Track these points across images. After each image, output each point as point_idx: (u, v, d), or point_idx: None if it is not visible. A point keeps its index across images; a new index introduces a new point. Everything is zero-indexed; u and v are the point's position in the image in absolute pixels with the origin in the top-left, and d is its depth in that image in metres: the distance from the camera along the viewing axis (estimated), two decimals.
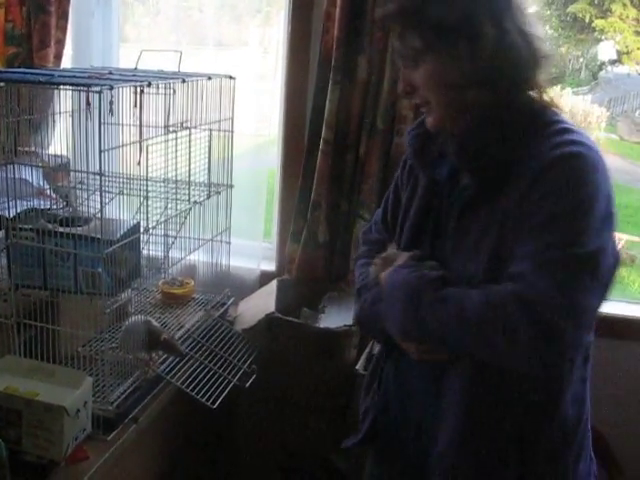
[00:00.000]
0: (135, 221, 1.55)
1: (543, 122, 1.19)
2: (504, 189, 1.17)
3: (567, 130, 1.17)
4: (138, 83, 1.46)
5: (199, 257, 2.01)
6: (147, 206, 1.57)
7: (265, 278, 2.22)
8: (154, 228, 1.57)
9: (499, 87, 1.18)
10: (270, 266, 2.27)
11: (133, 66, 1.83)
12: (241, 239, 2.18)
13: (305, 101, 2.06)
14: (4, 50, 2.13)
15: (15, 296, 1.47)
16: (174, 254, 1.92)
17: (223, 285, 2.08)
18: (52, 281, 1.46)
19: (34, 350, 1.46)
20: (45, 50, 2.08)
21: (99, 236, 1.40)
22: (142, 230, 1.54)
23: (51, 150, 2.31)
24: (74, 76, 1.52)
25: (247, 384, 1.71)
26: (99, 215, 1.69)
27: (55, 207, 1.99)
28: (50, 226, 1.46)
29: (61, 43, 2.11)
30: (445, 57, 1.17)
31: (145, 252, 1.76)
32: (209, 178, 1.85)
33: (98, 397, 1.45)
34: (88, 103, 1.45)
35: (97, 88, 1.29)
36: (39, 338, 1.47)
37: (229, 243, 1.99)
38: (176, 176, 1.81)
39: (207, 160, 1.84)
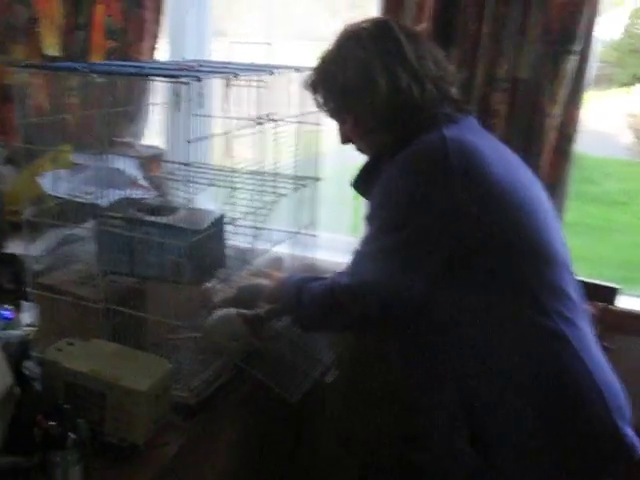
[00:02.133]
0: (221, 212, 1.57)
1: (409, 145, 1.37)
2: None
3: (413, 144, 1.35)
4: (225, 75, 1.47)
5: (285, 249, 2.02)
6: (233, 198, 1.58)
7: None
8: (239, 220, 1.58)
9: (397, 128, 1.40)
10: None
11: (226, 59, 1.86)
12: (328, 232, 2.17)
13: None
14: (103, 44, 2.20)
15: (103, 282, 1.52)
16: (260, 246, 1.94)
17: None
18: (139, 268, 1.50)
19: (121, 335, 1.50)
20: (140, 44, 2.13)
21: (185, 226, 1.42)
22: (227, 221, 1.56)
23: (146, 141, 2.39)
24: (164, 68, 1.54)
25: (329, 379, 1.71)
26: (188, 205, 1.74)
27: (147, 197, 2.05)
28: (138, 215, 1.49)
29: (156, 37, 2.16)
30: (355, 111, 1.43)
31: (231, 243, 1.79)
32: (295, 171, 1.85)
33: (179, 384, 1.48)
34: (177, 95, 1.48)
35: (185, 79, 1.31)
36: (126, 324, 1.51)
37: (315, 236, 1.98)
38: (263, 168, 1.82)
39: (294, 153, 1.85)
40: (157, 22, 2.15)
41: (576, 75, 1.82)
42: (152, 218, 1.47)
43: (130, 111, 2.18)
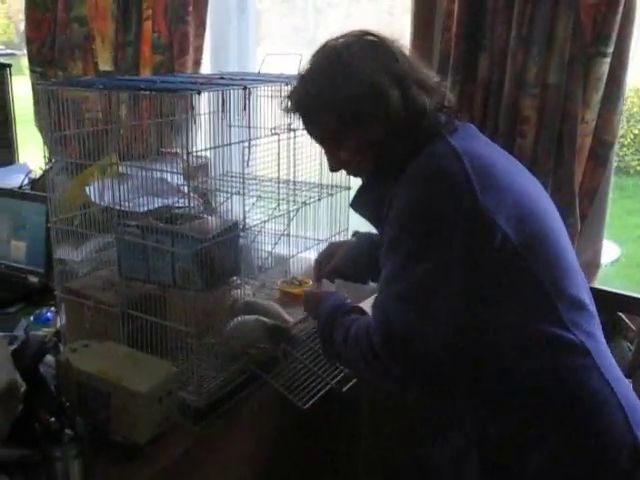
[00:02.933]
0: (234, 220, 1.60)
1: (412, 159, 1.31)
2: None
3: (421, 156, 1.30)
4: (224, 88, 1.51)
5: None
6: (244, 205, 1.63)
7: None
8: (251, 228, 1.62)
9: (406, 141, 1.33)
10: None
11: (269, 70, 1.90)
12: None
13: None
14: (152, 59, 2.30)
15: (121, 287, 1.59)
16: (291, 253, 1.98)
17: (344, 286, 2.09)
18: (153, 275, 1.55)
19: (139, 339, 1.57)
20: (184, 57, 2.21)
21: (192, 234, 1.47)
22: (242, 229, 1.60)
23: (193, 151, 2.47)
24: (180, 82, 1.60)
25: (344, 389, 1.70)
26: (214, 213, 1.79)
27: (189, 205, 2.12)
28: (152, 223, 1.55)
29: (199, 50, 2.24)
30: (365, 128, 1.35)
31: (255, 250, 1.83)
32: (320, 179, 1.87)
33: (191, 387, 1.53)
34: (192, 107, 1.54)
35: (184, 93, 1.36)
36: (144, 329, 1.57)
37: None
38: (290, 177, 1.85)
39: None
40: (200, 36, 2.23)
41: (610, 78, 1.75)
42: (164, 226, 1.52)
43: (175, 123, 2.26)
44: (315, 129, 1.44)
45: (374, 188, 1.42)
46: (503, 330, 1.28)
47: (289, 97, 1.44)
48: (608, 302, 1.92)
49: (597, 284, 1.99)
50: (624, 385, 1.33)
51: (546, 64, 1.76)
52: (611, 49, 1.72)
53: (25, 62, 2.68)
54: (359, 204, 1.48)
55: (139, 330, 1.57)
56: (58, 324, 1.74)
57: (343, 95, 1.33)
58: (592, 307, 1.36)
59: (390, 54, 1.34)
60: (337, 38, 1.39)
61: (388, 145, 1.36)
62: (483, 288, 1.26)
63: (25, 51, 2.61)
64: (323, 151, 1.49)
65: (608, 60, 1.72)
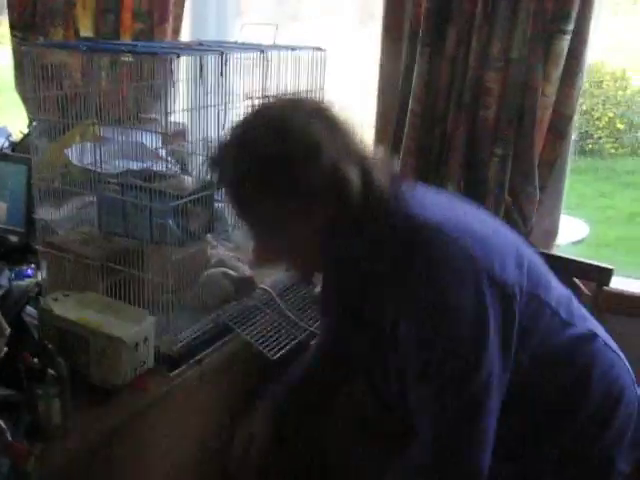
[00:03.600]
0: (209, 179, 1.68)
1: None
2: None
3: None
4: (203, 53, 1.58)
5: None
6: None
7: None
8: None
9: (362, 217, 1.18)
10: None
11: (246, 40, 1.97)
12: None
13: (398, 74, 2.09)
14: (132, 26, 2.35)
15: (101, 242, 1.66)
16: None
17: None
18: (132, 230, 1.63)
19: (118, 292, 1.65)
20: (164, 25, 2.27)
21: (170, 191, 1.55)
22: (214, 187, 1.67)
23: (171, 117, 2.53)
24: (160, 47, 1.67)
25: (312, 342, 1.80)
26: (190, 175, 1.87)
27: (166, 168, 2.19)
28: (131, 181, 1.63)
29: (179, 19, 2.29)
30: (311, 210, 1.15)
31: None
32: None
33: (166, 336, 1.61)
34: (171, 71, 1.61)
35: (164, 57, 1.43)
36: (123, 282, 1.65)
37: None
38: None
39: None
40: (180, 5, 2.29)
41: (570, 55, 1.85)
42: (142, 184, 1.59)
43: (155, 88, 2.32)
44: (254, 211, 1.22)
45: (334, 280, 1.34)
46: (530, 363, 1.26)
47: (219, 165, 1.23)
48: (564, 268, 2.03)
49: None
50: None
51: (509, 40, 1.85)
52: (571, 27, 1.81)
53: (3, 31, 2.71)
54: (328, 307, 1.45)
55: (118, 283, 1.65)
56: (39, 277, 1.82)
57: (297, 175, 1.13)
58: (562, 286, 1.38)
59: (334, 127, 1.16)
60: (269, 104, 1.27)
61: (341, 227, 1.19)
62: (515, 353, 1.20)
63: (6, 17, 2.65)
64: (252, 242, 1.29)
65: (568, 37, 1.82)
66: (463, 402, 1.15)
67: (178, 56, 1.45)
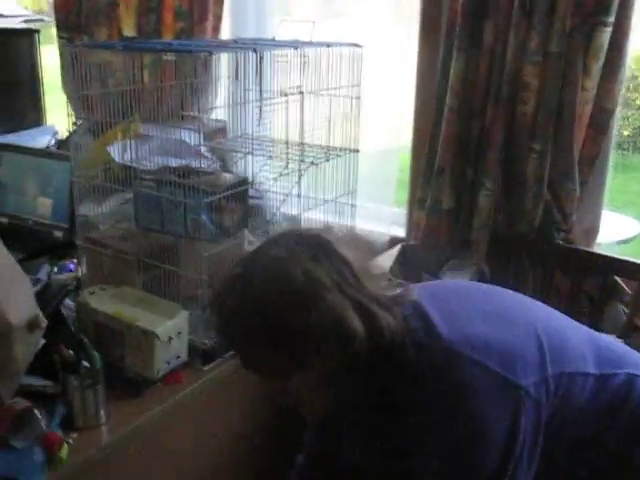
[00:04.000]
0: (243, 176, 1.70)
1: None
2: None
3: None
4: (237, 51, 1.59)
5: (327, 218, 2.13)
6: (253, 162, 1.72)
7: (395, 243, 2.29)
8: (260, 183, 1.71)
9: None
10: (400, 232, 2.33)
11: (284, 37, 1.98)
12: (373, 203, 2.27)
13: (436, 70, 2.07)
14: (173, 25, 2.39)
15: (138, 237, 1.70)
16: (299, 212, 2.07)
17: None
18: (168, 226, 1.66)
19: (154, 287, 1.67)
20: (204, 24, 2.30)
21: (203, 187, 1.57)
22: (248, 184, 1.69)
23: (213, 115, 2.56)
24: (195, 45, 1.69)
25: None
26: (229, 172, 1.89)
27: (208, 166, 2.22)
28: (167, 177, 1.65)
29: (218, 17, 2.32)
30: (320, 359, 1.09)
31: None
32: (329, 141, 1.96)
33: (200, 331, 1.63)
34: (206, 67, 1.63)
35: (199, 54, 1.45)
36: (160, 277, 1.68)
37: (354, 206, 2.08)
38: (304, 138, 1.94)
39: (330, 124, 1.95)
40: (220, 4, 2.31)
41: (612, 47, 1.81)
42: (177, 180, 1.62)
43: (196, 86, 2.36)
44: (262, 364, 1.16)
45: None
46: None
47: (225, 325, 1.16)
48: (605, 266, 1.99)
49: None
50: None
51: (548, 33, 1.82)
52: (612, 18, 1.77)
53: (54, 31, 2.79)
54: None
55: (154, 279, 1.68)
56: (79, 272, 1.86)
57: (302, 328, 1.07)
58: (601, 341, 1.33)
59: (343, 267, 1.12)
60: (267, 247, 1.15)
61: (350, 374, 1.15)
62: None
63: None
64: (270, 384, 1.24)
65: (609, 29, 1.78)
66: None
67: (211, 54, 1.46)
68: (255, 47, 1.62)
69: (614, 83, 1.83)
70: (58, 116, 3.07)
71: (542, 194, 1.94)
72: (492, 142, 1.96)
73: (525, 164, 1.93)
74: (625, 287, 1.95)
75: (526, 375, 1.14)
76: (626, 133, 5.19)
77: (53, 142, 2.56)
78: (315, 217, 2.10)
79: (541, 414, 1.14)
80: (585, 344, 1.27)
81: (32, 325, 1.34)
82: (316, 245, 1.13)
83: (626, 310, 1.95)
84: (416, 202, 2.19)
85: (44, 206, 2.36)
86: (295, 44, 1.76)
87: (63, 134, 2.59)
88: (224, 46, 1.67)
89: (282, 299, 1.07)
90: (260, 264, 1.12)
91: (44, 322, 1.42)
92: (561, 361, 1.20)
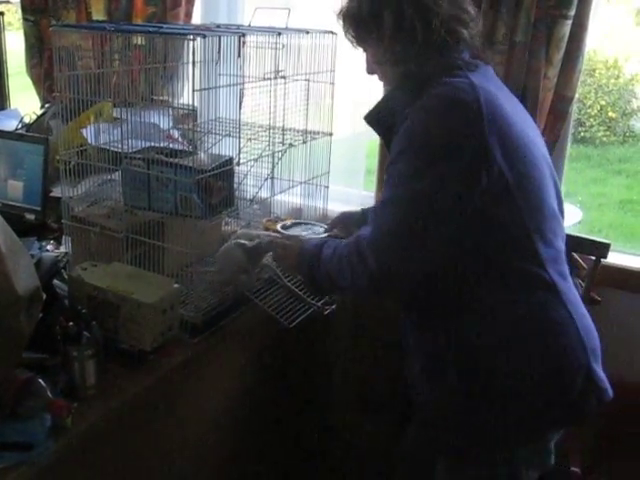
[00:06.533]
0: (229, 156, 1.76)
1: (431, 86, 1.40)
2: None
3: (439, 85, 1.39)
4: (223, 34, 1.65)
5: (301, 200, 2.21)
6: (239, 142, 1.79)
7: None
8: (244, 163, 1.78)
9: (408, 65, 1.45)
10: None
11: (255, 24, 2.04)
12: (342, 186, 2.36)
13: None
14: (144, 10, 2.41)
15: (126, 215, 1.74)
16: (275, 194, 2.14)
17: None
18: (155, 204, 1.70)
19: (142, 264, 1.72)
20: (176, 9, 2.34)
21: (193, 165, 1.63)
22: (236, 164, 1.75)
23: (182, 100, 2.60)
24: (182, 29, 1.74)
25: (326, 312, 1.88)
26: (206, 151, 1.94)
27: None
28: (156, 156, 1.70)
29: (191, 3, 2.36)
30: (367, 43, 1.50)
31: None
32: (306, 125, 2.03)
33: (189, 306, 1.69)
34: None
35: (190, 37, 1.50)
36: (146, 254, 1.72)
37: (327, 187, 2.16)
38: (280, 122, 2.00)
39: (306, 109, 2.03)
40: None
41: (571, 39, 1.93)
42: (167, 159, 1.67)
43: (167, 71, 2.39)
44: (345, 34, 1.54)
45: (390, 102, 1.53)
46: (483, 262, 1.42)
47: (348, 3, 1.51)
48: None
49: None
50: (586, 318, 1.51)
51: (514, 24, 1.93)
52: (573, 12, 1.89)
53: (12, 18, 2.77)
54: (372, 117, 1.58)
55: (141, 255, 1.73)
56: (63, 250, 1.89)
57: (354, 10, 1.48)
58: (565, 250, 1.52)
59: None
60: None
61: (390, 65, 1.49)
62: (471, 218, 1.37)
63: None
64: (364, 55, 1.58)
65: (570, 22, 1.90)
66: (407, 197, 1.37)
67: (204, 37, 1.51)
68: (242, 32, 1.68)
69: (573, 72, 1.96)
70: (20, 100, 3.06)
71: None
72: None
73: None
74: (582, 262, 2.09)
75: (499, 142, 1.35)
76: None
77: (20, 125, 2.55)
78: (286, 200, 2.18)
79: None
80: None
81: (34, 297, 1.38)
82: None
83: (582, 284, 2.09)
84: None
85: (15, 189, 2.36)
86: (276, 30, 1.83)
87: (30, 117, 2.59)
88: (211, 30, 1.72)
89: None
90: None
91: (43, 295, 1.46)
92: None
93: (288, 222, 2.02)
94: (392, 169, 1.41)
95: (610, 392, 1.48)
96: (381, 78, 1.58)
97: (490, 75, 1.51)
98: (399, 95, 1.49)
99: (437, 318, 1.50)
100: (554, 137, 2.03)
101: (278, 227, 1.96)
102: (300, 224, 2.03)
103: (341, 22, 1.53)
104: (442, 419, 1.53)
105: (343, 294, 1.83)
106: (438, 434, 1.56)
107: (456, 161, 1.33)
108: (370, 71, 1.57)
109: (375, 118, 1.58)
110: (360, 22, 1.48)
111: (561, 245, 1.50)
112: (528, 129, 1.49)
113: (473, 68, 1.43)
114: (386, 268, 1.37)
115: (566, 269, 1.51)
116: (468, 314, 1.45)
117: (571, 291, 1.50)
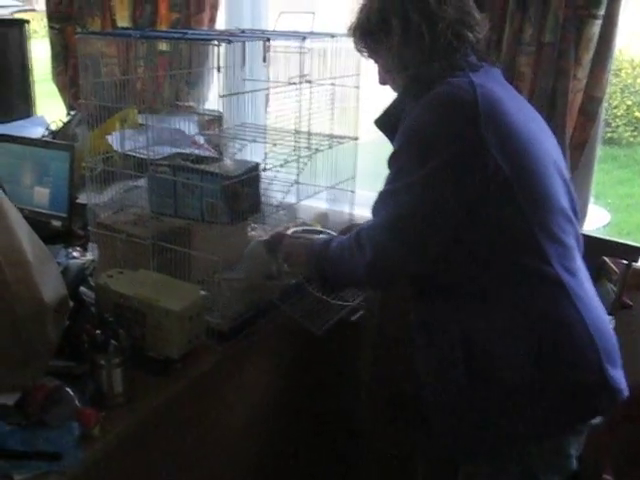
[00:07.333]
0: (256, 162, 1.75)
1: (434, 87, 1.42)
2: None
3: (441, 85, 1.41)
4: (250, 39, 1.64)
5: (328, 205, 2.19)
6: (265, 147, 1.77)
7: None
8: (270, 169, 1.76)
9: (416, 70, 1.48)
10: None
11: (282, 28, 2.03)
12: (369, 191, 2.32)
13: None
14: (169, 16, 2.42)
15: (152, 222, 1.73)
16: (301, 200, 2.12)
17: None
18: (181, 210, 1.70)
19: (168, 270, 1.71)
20: (200, 15, 2.34)
21: (219, 172, 1.62)
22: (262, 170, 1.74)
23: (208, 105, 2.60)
24: (206, 34, 1.73)
25: (353, 318, 1.87)
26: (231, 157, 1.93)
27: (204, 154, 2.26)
28: (182, 163, 1.70)
29: (215, 7, 2.36)
30: (377, 52, 1.54)
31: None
32: (332, 129, 2.02)
33: (216, 313, 1.68)
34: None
35: (215, 42, 1.49)
36: (173, 261, 1.72)
37: (353, 192, 2.14)
38: (305, 127, 1.99)
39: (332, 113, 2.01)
40: None
41: (601, 39, 1.90)
42: (193, 165, 1.66)
43: (192, 77, 2.39)
44: (357, 47, 1.59)
45: (397, 107, 1.56)
46: (485, 257, 1.42)
47: (358, 17, 1.55)
48: (594, 247, 2.08)
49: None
50: (600, 318, 1.48)
51: (541, 25, 1.90)
52: (602, 12, 1.86)
53: (37, 25, 2.79)
54: (382, 121, 1.61)
55: (167, 262, 1.72)
56: (89, 257, 1.88)
57: (363, 21, 1.52)
58: (577, 247, 1.51)
59: None
60: None
61: (399, 72, 1.52)
62: (470, 214, 1.38)
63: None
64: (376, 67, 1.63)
65: (599, 22, 1.87)
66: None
67: (229, 42, 1.50)
68: (267, 37, 1.67)
69: (603, 72, 1.93)
70: (44, 106, 3.08)
71: None
72: None
73: None
74: (613, 266, 2.05)
75: (494, 137, 1.36)
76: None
77: (46, 133, 2.56)
78: (312, 205, 2.17)
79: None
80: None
81: (61, 306, 1.38)
82: None
83: (614, 289, 2.05)
84: None
85: (41, 196, 2.37)
86: (302, 35, 1.81)
87: (56, 124, 2.60)
88: (236, 35, 1.71)
89: None
90: None
91: (71, 303, 1.46)
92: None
93: (299, 229, 2.00)
94: (391, 164, 1.46)
95: (625, 392, 1.45)
96: (392, 86, 1.61)
97: (494, 75, 1.52)
98: (406, 99, 1.52)
99: (444, 317, 1.50)
100: (584, 138, 2.00)
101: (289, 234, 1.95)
102: (311, 232, 2.01)
103: (352, 36, 1.58)
104: (454, 419, 1.51)
105: (350, 287, 1.83)
106: (451, 434, 1.54)
107: (451, 155, 1.36)
108: (382, 82, 1.62)
109: (384, 122, 1.61)
110: (370, 33, 1.52)
111: (572, 242, 1.48)
112: (533, 127, 1.50)
113: (476, 69, 1.46)
114: (381, 259, 1.44)
115: (577, 266, 1.48)
116: (474, 310, 1.44)
117: (582, 289, 1.47)
